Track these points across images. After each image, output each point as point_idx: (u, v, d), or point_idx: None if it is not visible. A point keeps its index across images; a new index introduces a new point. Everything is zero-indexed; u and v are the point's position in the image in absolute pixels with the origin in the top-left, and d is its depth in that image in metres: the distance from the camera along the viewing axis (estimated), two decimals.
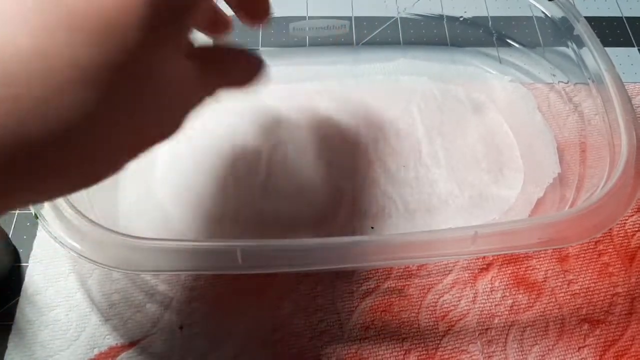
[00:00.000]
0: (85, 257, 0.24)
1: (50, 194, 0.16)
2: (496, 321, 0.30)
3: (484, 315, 0.30)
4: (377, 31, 0.43)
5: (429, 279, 0.31)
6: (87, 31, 0.13)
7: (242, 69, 0.23)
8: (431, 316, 0.30)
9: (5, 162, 0.13)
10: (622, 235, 0.33)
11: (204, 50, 0.21)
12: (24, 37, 0.12)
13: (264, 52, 0.42)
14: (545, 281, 0.31)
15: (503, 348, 0.30)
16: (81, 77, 0.13)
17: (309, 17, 0.43)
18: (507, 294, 0.31)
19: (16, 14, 0.13)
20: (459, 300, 0.31)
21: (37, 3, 0.13)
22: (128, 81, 0.14)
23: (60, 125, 0.13)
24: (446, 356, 0.29)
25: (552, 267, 0.32)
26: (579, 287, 0.31)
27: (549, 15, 0.36)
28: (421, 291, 0.31)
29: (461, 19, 0.42)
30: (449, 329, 0.30)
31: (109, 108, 0.14)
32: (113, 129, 0.15)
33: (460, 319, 0.30)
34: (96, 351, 0.29)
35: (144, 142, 0.17)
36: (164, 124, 0.18)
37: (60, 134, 0.13)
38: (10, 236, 0.32)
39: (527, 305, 0.31)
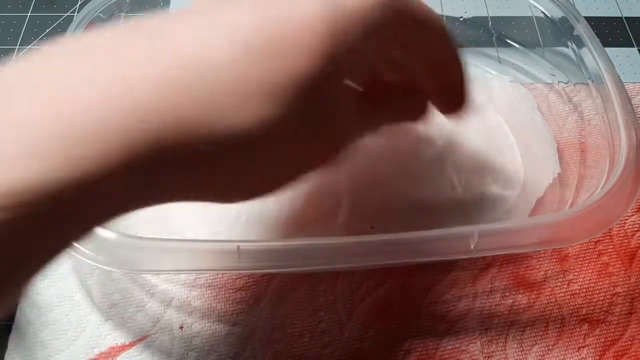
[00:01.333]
0: (86, 257, 0.24)
1: (196, 197, 0.17)
2: (496, 321, 0.30)
3: (484, 315, 0.30)
4: None
5: (429, 279, 0.31)
6: (278, 55, 0.15)
7: (411, 108, 0.26)
8: (431, 316, 0.30)
9: (188, 144, 0.14)
10: (621, 235, 0.33)
11: (379, 88, 0.23)
12: (224, 51, 0.14)
13: None
14: (545, 281, 0.32)
15: (503, 348, 0.30)
16: (265, 92, 0.14)
17: None
18: (507, 293, 0.31)
19: (219, 30, 0.15)
20: (459, 300, 0.31)
21: (241, 27, 0.15)
22: (303, 102, 0.16)
23: (239, 131, 0.15)
24: (446, 356, 0.29)
25: (551, 267, 0.32)
26: (578, 287, 0.31)
27: (549, 16, 0.36)
28: (421, 291, 0.31)
29: (461, 19, 0.42)
30: (449, 329, 0.30)
31: (282, 124, 0.15)
32: (281, 145, 0.16)
33: (460, 319, 0.30)
34: (96, 351, 0.29)
35: (302, 165, 0.18)
36: (324, 151, 0.19)
37: (237, 140, 0.15)
38: None
39: (526, 305, 0.31)
